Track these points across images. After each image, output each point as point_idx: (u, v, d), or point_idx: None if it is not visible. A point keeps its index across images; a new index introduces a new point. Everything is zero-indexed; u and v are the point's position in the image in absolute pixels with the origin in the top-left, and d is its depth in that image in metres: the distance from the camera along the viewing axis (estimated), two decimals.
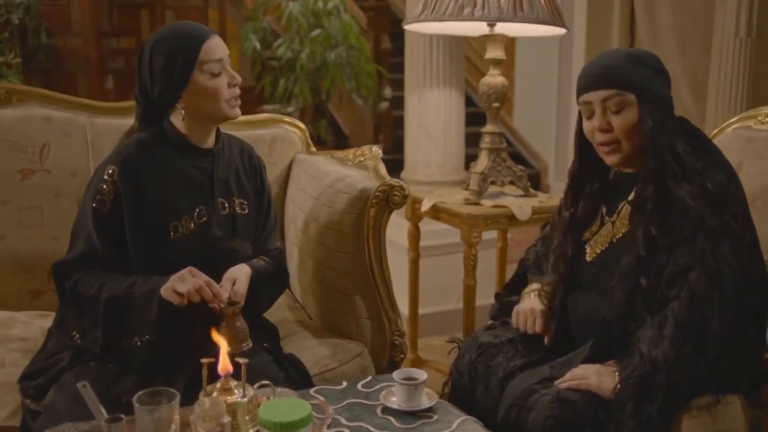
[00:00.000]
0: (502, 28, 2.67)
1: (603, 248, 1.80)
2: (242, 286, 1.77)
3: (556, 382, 1.70)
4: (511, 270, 3.09)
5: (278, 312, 2.27)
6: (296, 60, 5.77)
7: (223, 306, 1.66)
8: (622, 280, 1.68)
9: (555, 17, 2.56)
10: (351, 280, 2.12)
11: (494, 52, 2.73)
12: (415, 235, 2.99)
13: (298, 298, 2.42)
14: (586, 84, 1.74)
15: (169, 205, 1.81)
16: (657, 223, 1.66)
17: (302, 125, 2.66)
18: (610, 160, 1.78)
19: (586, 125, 1.78)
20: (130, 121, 2.38)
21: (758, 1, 4.03)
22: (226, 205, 1.89)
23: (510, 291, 2.13)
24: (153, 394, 1.40)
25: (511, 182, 2.80)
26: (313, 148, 2.66)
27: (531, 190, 2.82)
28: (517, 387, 1.75)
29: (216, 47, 1.80)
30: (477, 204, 2.70)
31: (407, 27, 2.80)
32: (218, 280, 1.79)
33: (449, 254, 3.31)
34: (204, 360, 1.48)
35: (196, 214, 1.84)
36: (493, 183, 2.77)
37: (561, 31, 2.64)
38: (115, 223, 1.78)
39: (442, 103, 3.50)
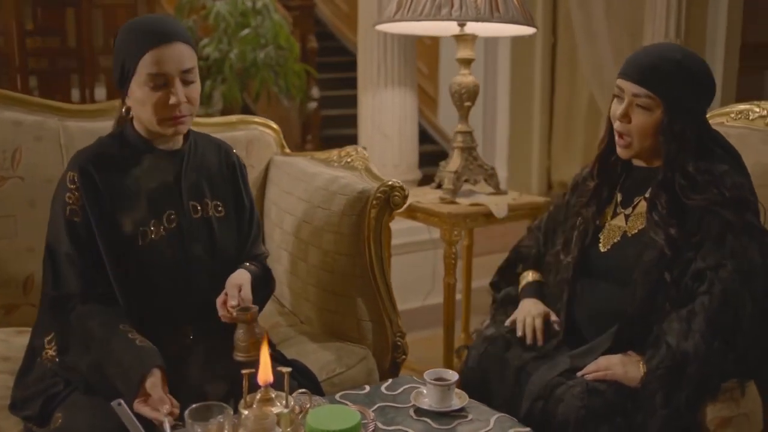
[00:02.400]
0: (473, 28, 2.70)
1: (616, 240, 1.84)
2: (248, 292, 1.68)
3: (579, 373, 1.73)
4: (477, 265, 3.15)
5: (269, 318, 2.23)
6: (224, 60, 5.64)
7: (235, 314, 1.60)
8: (645, 275, 1.72)
9: (527, 17, 2.61)
10: (351, 283, 2.09)
11: (465, 52, 2.75)
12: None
13: (286, 304, 2.37)
14: (627, 71, 1.77)
15: (133, 209, 1.71)
16: (676, 225, 1.71)
17: (276, 126, 2.61)
18: (620, 151, 1.83)
19: (614, 105, 1.81)
20: (103, 124, 2.29)
21: (686, 5, 4.23)
22: (199, 208, 1.77)
23: (503, 277, 2.15)
24: (204, 409, 1.35)
25: (484, 180, 2.83)
26: (288, 150, 2.61)
27: (501, 187, 2.86)
28: (539, 379, 1.77)
29: (166, 59, 1.64)
30: (453, 203, 2.72)
31: (380, 27, 2.78)
32: (199, 287, 1.73)
33: (414, 252, 3.32)
34: (244, 371, 1.43)
35: (165, 219, 1.73)
36: (466, 181, 2.80)
37: (531, 30, 2.69)
38: (90, 233, 1.67)
39: (397, 102, 3.50)
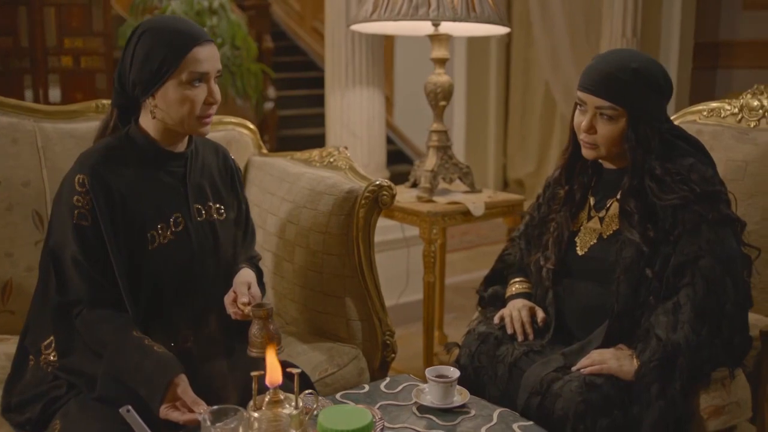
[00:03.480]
0: (447, 28, 2.72)
1: (593, 243, 1.88)
2: (257, 289, 1.70)
3: (574, 368, 1.76)
4: (450, 263, 3.18)
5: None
6: None
7: (247, 311, 1.60)
8: (626, 273, 1.76)
9: (502, 17, 2.64)
10: (341, 283, 2.09)
11: (439, 52, 2.77)
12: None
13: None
14: (586, 85, 1.79)
15: (142, 214, 1.68)
16: (649, 225, 1.75)
17: (252, 126, 2.59)
18: (586, 153, 1.86)
19: (577, 116, 1.84)
20: (80, 125, 2.25)
21: (642, 4, 4.33)
22: (203, 211, 1.77)
23: (489, 286, 2.18)
24: (219, 413, 1.34)
25: (459, 179, 2.86)
26: (264, 150, 2.59)
27: (475, 186, 2.89)
28: (534, 376, 1.79)
29: (206, 57, 1.65)
30: (431, 201, 2.73)
31: (356, 27, 2.78)
32: (203, 290, 1.73)
33: (388, 251, 3.33)
34: (254, 373, 1.42)
35: (172, 222, 1.72)
36: (442, 179, 2.82)
37: (505, 30, 2.72)
38: (99, 237, 1.63)
39: (365, 102, 3.51)
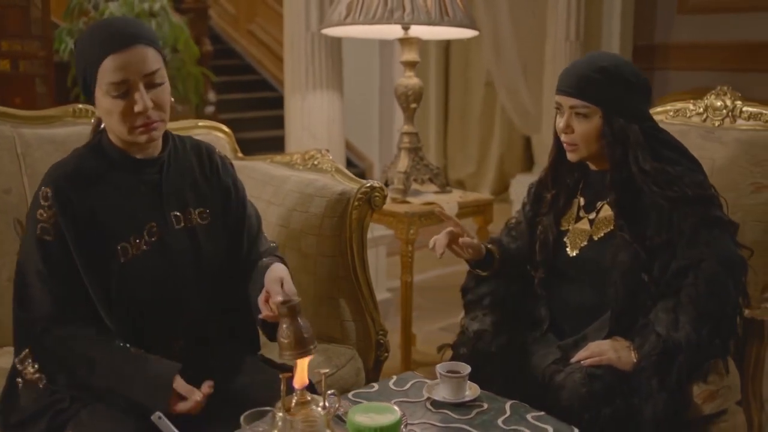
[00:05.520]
0: (417, 31, 2.77)
1: (584, 244, 1.92)
2: (291, 285, 1.58)
3: (573, 360, 1.82)
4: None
5: None
6: None
7: (277, 308, 1.49)
8: (623, 277, 1.80)
9: (472, 20, 2.71)
10: (334, 284, 2.11)
11: (410, 55, 2.82)
12: None
13: None
14: (562, 87, 1.86)
15: (113, 226, 1.61)
16: (644, 226, 1.80)
17: (227, 129, 2.57)
18: (569, 156, 1.92)
19: (557, 120, 1.91)
20: (59, 131, 2.21)
21: (584, 7, 4.49)
22: (181, 218, 1.69)
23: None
24: (252, 416, 1.35)
25: (429, 180, 2.91)
26: (240, 153, 2.58)
27: (447, 187, 2.95)
28: (533, 369, 1.85)
29: (124, 64, 1.54)
30: (406, 202, 2.77)
31: (327, 31, 2.80)
32: (186, 300, 1.69)
33: None
34: (282, 375, 1.43)
35: (146, 232, 1.64)
36: (414, 181, 2.86)
37: (474, 33, 2.79)
38: (64, 252, 1.57)
39: (325, 104, 3.52)
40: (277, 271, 1.64)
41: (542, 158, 5.50)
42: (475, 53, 6.23)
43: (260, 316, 1.62)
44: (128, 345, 1.59)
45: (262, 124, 6.80)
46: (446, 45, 6.55)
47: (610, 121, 1.82)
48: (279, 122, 6.90)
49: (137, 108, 1.54)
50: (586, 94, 1.82)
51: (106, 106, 1.57)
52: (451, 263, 4.63)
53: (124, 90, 1.54)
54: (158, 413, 1.38)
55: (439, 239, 1.91)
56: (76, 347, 1.57)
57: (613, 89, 1.82)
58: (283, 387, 1.42)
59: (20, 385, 1.63)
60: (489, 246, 2.03)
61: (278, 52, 7.32)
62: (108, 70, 1.54)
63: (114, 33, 1.57)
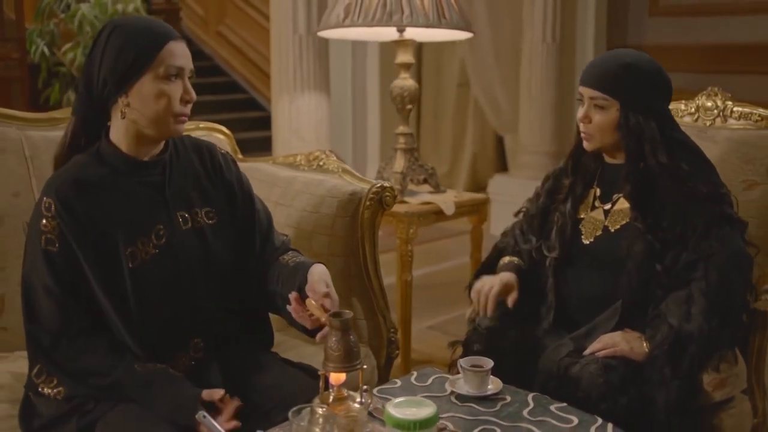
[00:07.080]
0: (412, 33, 2.81)
1: (599, 233, 1.99)
2: (334, 290, 1.58)
3: (586, 352, 1.87)
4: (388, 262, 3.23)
5: None
6: None
7: (325, 319, 1.50)
8: (637, 267, 1.88)
9: (467, 23, 2.76)
10: (347, 283, 2.13)
11: (405, 57, 2.86)
12: None
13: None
14: (584, 79, 1.94)
15: (118, 232, 1.60)
16: (659, 219, 1.88)
17: (227, 131, 2.57)
18: (585, 145, 1.99)
19: (579, 110, 1.98)
20: None
21: (560, 10, 4.58)
22: (189, 219, 1.69)
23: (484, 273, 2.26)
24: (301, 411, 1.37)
25: (424, 180, 2.95)
26: (240, 155, 2.59)
27: (441, 187, 3.00)
28: (548, 361, 1.89)
29: (181, 53, 1.61)
30: (403, 202, 2.81)
31: (324, 34, 2.82)
32: (198, 300, 1.69)
33: None
34: (321, 372, 1.45)
35: (154, 235, 1.64)
36: (410, 181, 2.90)
37: (468, 35, 2.84)
38: (69, 262, 1.58)
39: (313, 106, 3.55)
40: (319, 273, 1.66)
41: (515, 158, 5.60)
42: (448, 55, 6.29)
43: (291, 310, 1.63)
44: (142, 353, 1.61)
45: (234, 126, 6.77)
46: (419, 46, 6.59)
47: (626, 114, 1.89)
48: (251, 124, 6.92)
49: (188, 97, 1.61)
50: (605, 87, 1.89)
51: (154, 90, 1.58)
52: (435, 262, 4.70)
53: (174, 76, 1.59)
54: (202, 412, 1.39)
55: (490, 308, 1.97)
56: (89, 360, 1.58)
57: (633, 85, 1.89)
58: (321, 383, 1.45)
59: (38, 396, 1.63)
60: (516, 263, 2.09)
61: (248, 54, 7.30)
62: (170, 54, 1.58)
63: (162, 26, 1.64)
